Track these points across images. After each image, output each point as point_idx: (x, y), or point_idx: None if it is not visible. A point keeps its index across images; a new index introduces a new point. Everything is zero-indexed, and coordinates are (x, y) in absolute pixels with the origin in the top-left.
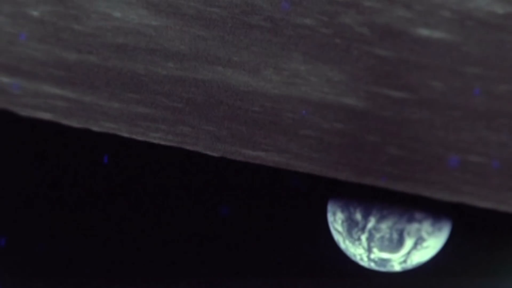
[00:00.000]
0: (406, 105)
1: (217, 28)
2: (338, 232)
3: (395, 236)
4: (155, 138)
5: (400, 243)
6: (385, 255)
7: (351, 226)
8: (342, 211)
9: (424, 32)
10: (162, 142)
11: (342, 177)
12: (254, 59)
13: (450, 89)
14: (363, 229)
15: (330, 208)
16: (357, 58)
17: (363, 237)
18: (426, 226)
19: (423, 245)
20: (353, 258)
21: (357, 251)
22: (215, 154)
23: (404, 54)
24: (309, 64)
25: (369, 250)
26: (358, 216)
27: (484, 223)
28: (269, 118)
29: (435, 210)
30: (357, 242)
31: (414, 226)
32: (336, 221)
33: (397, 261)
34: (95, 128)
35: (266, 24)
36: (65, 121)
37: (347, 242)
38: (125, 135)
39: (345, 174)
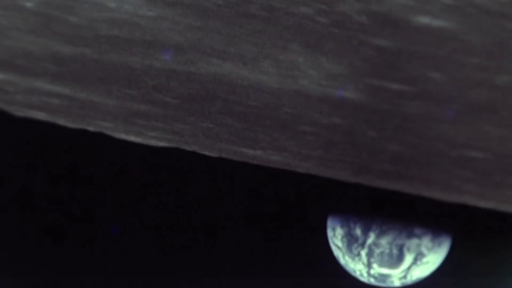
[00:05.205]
0: (406, 98)
1: (213, 18)
2: (338, 247)
3: (395, 251)
4: (152, 137)
5: (400, 258)
6: (385, 270)
7: (351, 241)
8: (342, 227)
9: (424, 20)
10: (160, 143)
11: (340, 177)
12: (251, 51)
13: (450, 80)
14: (362, 245)
15: (329, 223)
16: (356, 48)
17: (363, 253)
18: (425, 241)
19: (423, 261)
20: (352, 273)
21: (357, 266)
22: (213, 154)
23: (403, 44)
24: (307, 56)
25: (368, 265)
26: (358, 231)
27: (485, 238)
28: (266, 113)
29: (434, 226)
30: (356, 258)
31: (414, 241)
32: (335, 237)
33: (397, 276)
34: (91, 128)
35: (263, 13)
36: (61, 121)
37: (346, 257)
38: (122, 135)
39: (344, 174)
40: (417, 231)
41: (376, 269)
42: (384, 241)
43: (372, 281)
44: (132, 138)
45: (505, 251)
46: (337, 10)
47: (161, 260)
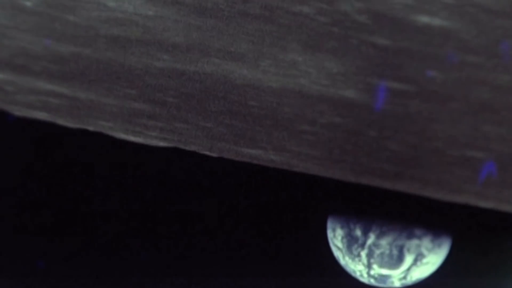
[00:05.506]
0: (406, 98)
1: (213, 17)
2: (338, 248)
3: (395, 252)
4: (152, 137)
5: (400, 259)
6: (385, 271)
7: (351, 242)
8: (342, 227)
9: (424, 19)
10: (160, 143)
11: (340, 177)
12: (251, 50)
13: (450, 80)
14: (362, 246)
15: (330, 224)
16: (355, 48)
17: (363, 254)
18: (426, 242)
19: (423, 261)
20: (353, 274)
21: (357, 267)
22: (213, 154)
23: (403, 43)
24: (307, 55)
25: (369, 266)
26: (358, 232)
27: (485, 238)
28: (266, 113)
29: (434, 226)
30: (357, 259)
31: (414, 242)
32: (336, 237)
33: (397, 277)
34: (91, 128)
35: (263, 12)
36: (61, 121)
37: (347, 258)
38: (122, 135)
39: (344, 174)
40: (417, 232)
41: (376, 269)
42: (384, 242)
43: (372, 281)
44: (132, 138)
45: (505, 251)
46: (337, 9)
47: (160, 260)
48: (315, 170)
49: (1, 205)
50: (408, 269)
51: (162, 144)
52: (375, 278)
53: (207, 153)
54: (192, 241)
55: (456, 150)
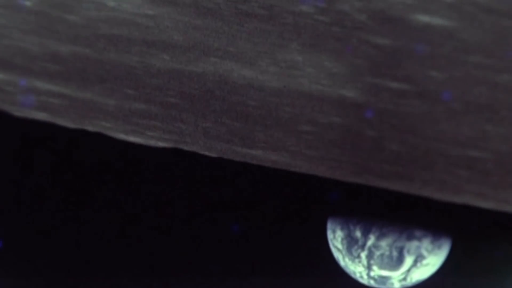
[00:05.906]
0: (406, 97)
1: (213, 17)
2: (338, 249)
3: (395, 253)
4: (152, 137)
5: (400, 260)
6: (384, 272)
7: (351, 243)
8: (342, 229)
9: (424, 18)
10: (160, 143)
11: (340, 177)
12: (251, 50)
13: (450, 79)
14: (362, 247)
15: (330, 225)
16: (355, 47)
17: (363, 255)
18: (425, 243)
19: (423, 263)
20: (352, 275)
21: (357, 268)
22: (212, 154)
23: (403, 42)
24: (306, 54)
25: (368, 267)
26: (358, 233)
27: (485, 238)
28: (266, 113)
29: (434, 228)
30: (356, 260)
31: (414, 243)
32: (335, 239)
33: (397, 278)
34: (91, 128)
35: (263, 12)
36: (61, 121)
37: (346, 259)
38: (122, 135)
39: (344, 173)
40: (417, 233)
41: (376, 271)
42: (384, 243)
43: (372, 283)
44: (132, 138)
45: (505, 251)
46: (337, 8)
47: (159, 260)
48: (315, 170)
49: (1, 205)
50: (408, 270)
51: (162, 144)
52: (375, 280)
53: (207, 153)
54: (191, 241)
55: (456, 150)
